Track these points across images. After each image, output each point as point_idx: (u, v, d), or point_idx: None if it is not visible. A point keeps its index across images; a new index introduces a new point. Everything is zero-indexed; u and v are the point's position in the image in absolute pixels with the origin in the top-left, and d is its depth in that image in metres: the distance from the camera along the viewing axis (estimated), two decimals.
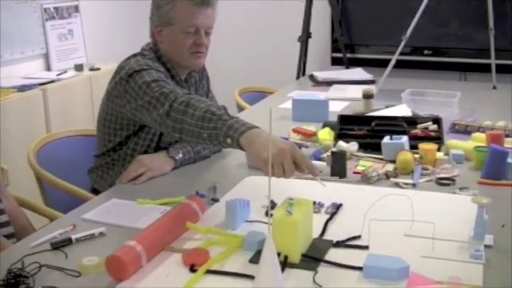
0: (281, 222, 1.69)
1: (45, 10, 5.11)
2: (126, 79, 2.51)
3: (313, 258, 1.74)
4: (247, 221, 2.01)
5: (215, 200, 2.19)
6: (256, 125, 2.14)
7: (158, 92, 2.37)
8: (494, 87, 4.49)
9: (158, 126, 2.38)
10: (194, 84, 2.82)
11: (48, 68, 5.17)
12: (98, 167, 2.76)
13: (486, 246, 1.80)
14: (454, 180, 2.39)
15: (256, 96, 4.34)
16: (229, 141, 2.11)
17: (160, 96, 2.35)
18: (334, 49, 5.53)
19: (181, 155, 2.56)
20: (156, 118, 2.35)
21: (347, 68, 5.26)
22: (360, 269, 1.67)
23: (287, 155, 1.99)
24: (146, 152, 2.64)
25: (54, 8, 5.21)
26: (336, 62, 5.50)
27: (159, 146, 2.66)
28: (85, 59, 5.47)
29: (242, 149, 2.11)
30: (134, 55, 2.67)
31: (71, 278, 1.65)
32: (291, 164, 2.00)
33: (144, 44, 2.75)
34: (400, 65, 4.37)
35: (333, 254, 1.78)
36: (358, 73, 4.80)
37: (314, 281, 1.62)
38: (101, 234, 1.92)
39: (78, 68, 5.15)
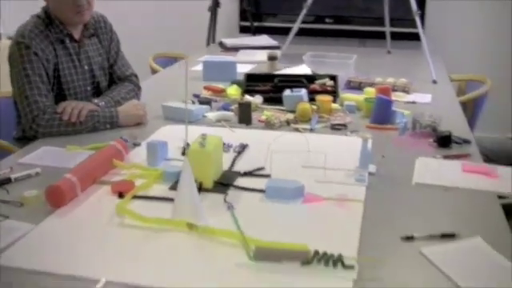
0: (195, 153, 1.97)
1: None
2: (11, 48, 2.73)
3: (223, 184, 2.04)
4: (166, 159, 2.28)
5: (136, 144, 2.45)
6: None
7: (25, 102, 2.63)
8: (389, 52, 4.88)
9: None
10: (98, 44, 2.96)
11: None
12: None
13: (369, 174, 2.14)
14: (346, 125, 2.72)
15: (168, 61, 4.57)
16: (108, 126, 2.68)
17: (27, 107, 2.63)
18: (243, 18, 5.79)
19: (103, 103, 2.78)
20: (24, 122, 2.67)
21: (254, 35, 5.52)
22: (263, 191, 1.97)
23: (137, 106, 2.78)
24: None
25: None
26: (244, 30, 5.76)
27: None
28: (2, 28, 5.55)
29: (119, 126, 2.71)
30: (32, 17, 2.82)
31: (15, 208, 1.89)
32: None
33: None
34: (304, 32, 4.70)
35: (240, 182, 2.08)
36: (264, 39, 5.11)
37: (225, 200, 1.92)
38: (37, 173, 2.16)
39: None
